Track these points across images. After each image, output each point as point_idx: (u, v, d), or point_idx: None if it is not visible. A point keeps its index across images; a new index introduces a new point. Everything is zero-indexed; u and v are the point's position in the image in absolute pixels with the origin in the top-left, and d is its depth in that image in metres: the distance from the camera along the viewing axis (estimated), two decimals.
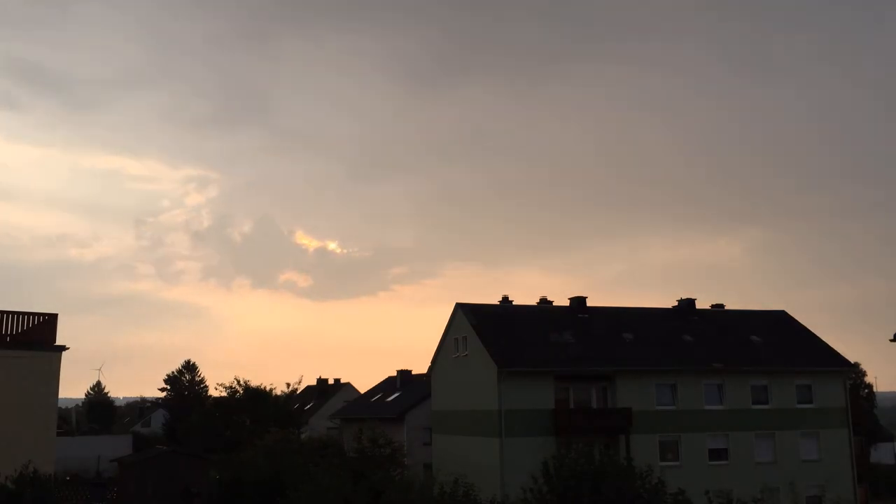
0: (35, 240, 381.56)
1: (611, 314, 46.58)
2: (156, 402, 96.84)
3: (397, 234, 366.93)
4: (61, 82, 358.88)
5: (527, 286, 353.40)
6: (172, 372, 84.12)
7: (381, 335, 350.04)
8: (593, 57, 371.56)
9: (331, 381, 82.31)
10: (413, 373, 62.08)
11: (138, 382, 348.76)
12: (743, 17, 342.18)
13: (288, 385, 64.86)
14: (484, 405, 40.36)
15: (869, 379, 72.05)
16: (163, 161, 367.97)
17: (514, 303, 46.63)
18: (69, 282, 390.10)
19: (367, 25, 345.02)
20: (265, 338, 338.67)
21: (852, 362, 49.97)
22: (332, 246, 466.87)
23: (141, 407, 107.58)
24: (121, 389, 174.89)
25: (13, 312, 25.61)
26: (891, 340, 28.61)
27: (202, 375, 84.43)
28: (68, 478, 44.10)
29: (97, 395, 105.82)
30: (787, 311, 50.97)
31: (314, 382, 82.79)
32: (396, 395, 59.52)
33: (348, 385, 79.52)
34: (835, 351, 47.04)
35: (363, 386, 74.52)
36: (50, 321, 25.85)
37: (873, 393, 72.80)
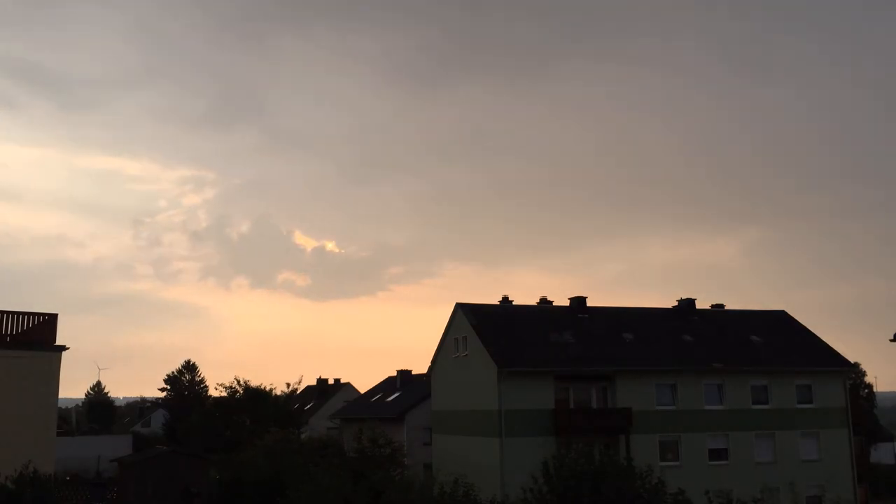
0: (34, 240, 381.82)
1: (611, 314, 46.59)
2: (156, 402, 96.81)
3: (397, 234, 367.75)
4: (59, 82, 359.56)
5: (527, 286, 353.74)
6: (172, 372, 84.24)
7: (381, 335, 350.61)
8: (593, 57, 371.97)
9: (331, 381, 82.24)
10: (413, 373, 62.05)
11: (138, 382, 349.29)
12: (743, 17, 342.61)
13: (288, 385, 64.97)
14: (484, 405, 40.37)
15: (869, 379, 72.30)
16: (160, 161, 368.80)
17: (514, 303, 46.65)
18: (68, 282, 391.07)
19: (366, 25, 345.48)
20: (264, 338, 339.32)
21: (852, 362, 50.01)
22: (331, 246, 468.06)
23: (141, 407, 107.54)
24: (121, 389, 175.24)
25: (13, 312, 25.54)
26: (891, 340, 28.57)
27: (202, 375, 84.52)
28: (68, 478, 44.04)
29: (97, 395, 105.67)
30: (787, 311, 51.03)
31: (314, 382, 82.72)
32: (396, 395, 59.51)
33: (348, 385, 79.47)
34: (835, 351, 47.05)
35: (363, 386, 74.66)
36: (50, 321, 25.80)
37: (873, 393, 72.87)
